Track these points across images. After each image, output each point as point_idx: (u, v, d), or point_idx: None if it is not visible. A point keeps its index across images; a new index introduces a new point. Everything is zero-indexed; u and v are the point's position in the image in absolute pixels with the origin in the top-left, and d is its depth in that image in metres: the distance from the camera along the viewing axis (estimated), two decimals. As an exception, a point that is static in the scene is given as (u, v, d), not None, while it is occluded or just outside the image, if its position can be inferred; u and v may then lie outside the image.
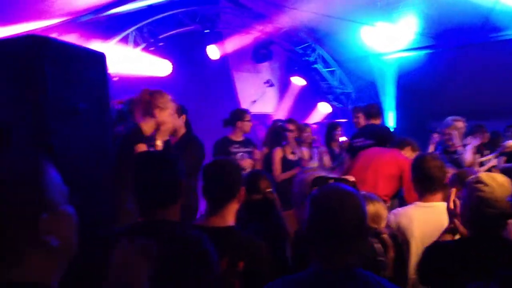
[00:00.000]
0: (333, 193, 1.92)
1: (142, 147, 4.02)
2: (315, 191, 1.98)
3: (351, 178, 3.25)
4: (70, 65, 2.48)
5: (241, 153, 5.90)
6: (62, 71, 2.40)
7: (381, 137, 5.94)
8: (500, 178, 2.53)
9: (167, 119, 4.21)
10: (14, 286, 1.20)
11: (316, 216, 1.89)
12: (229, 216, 2.68)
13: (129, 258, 1.61)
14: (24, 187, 1.21)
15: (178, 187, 2.45)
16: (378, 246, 2.54)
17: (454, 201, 2.79)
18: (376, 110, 6.38)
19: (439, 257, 2.57)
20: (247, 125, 6.09)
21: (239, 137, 6.08)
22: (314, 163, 6.59)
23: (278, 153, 6.29)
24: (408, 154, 5.10)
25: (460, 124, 6.79)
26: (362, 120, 6.78)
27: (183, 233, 2.31)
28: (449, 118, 6.79)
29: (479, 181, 2.50)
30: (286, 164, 6.21)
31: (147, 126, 4.17)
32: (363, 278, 1.80)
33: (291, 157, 6.30)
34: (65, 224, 1.29)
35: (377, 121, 6.31)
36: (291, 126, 6.56)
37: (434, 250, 2.65)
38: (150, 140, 4.18)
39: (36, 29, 6.71)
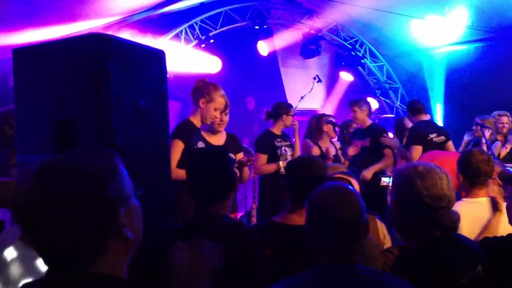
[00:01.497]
0: (328, 191, 1.95)
1: (177, 143, 4.03)
2: (313, 191, 2.02)
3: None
4: (131, 63, 2.52)
5: (284, 148, 5.77)
6: (124, 68, 2.44)
7: (448, 135, 6.14)
8: None
9: (210, 112, 4.15)
10: (95, 278, 1.25)
11: (313, 214, 1.93)
12: None
13: (191, 260, 1.67)
14: (104, 185, 1.25)
15: (230, 182, 2.52)
16: None
17: None
18: (422, 106, 6.40)
19: (490, 252, 2.50)
20: (290, 119, 5.92)
21: (279, 131, 5.92)
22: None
23: (315, 152, 6.19)
24: None
25: (505, 119, 6.73)
26: (359, 115, 6.56)
27: (233, 227, 2.41)
28: (495, 112, 6.78)
29: None
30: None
31: (196, 119, 4.21)
32: (364, 274, 1.81)
33: (338, 153, 6.20)
34: (135, 216, 1.35)
35: (423, 117, 6.30)
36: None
37: (484, 245, 2.59)
38: (197, 133, 4.18)
39: (91, 28, 6.95)
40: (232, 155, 4.34)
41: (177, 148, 4.02)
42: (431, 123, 6.51)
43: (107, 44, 2.38)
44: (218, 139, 4.45)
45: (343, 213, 1.85)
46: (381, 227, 3.46)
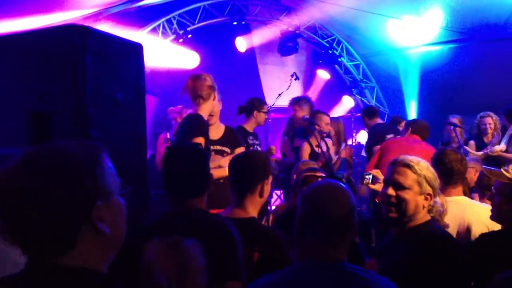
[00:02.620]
0: (321, 188, 1.97)
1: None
2: (305, 188, 2.05)
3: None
4: (109, 55, 2.49)
5: (256, 146, 5.58)
6: (101, 61, 2.41)
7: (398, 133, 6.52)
8: None
9: (212, 108, 4.11)
10: (66, 270, 1.23)
11: (304, 210, 1.94)
12: (251, 208, 2.76)
13: (161, 254, 1.67)
14: (82, 174, 1.23)
15: (206, 179, 2.54)
16: None
17: None
18: (377, 110, 7.68)
19: (474, 250, 2.64)
20: (262, 117, 5.72)
21: (252, 128, 5.69)
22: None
23: (306, 149, 6.01)
24: None
25: (488, 120, 6.73)
26: (299, 114, 6.40)
27: (209, 218, 2.45)
28: (479, 114, 6.81)
29: None
30: (313, 157, 5.80)
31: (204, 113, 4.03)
32: (350, 272, 1.83)
33: (317, 150, 6.03)
34: (117, 213, 1.33)
35: (378, 120, 7.24)
36: (326, 119, 6.36)
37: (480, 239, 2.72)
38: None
39: (68, 19, 6.84)
40: (227, 149, 4.28)
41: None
42: (387, 125, 7.25)
43: (85, 36, 2.36)
44: (215, 133, 4.29)
45: (335, 211, 1.86)
46: None
